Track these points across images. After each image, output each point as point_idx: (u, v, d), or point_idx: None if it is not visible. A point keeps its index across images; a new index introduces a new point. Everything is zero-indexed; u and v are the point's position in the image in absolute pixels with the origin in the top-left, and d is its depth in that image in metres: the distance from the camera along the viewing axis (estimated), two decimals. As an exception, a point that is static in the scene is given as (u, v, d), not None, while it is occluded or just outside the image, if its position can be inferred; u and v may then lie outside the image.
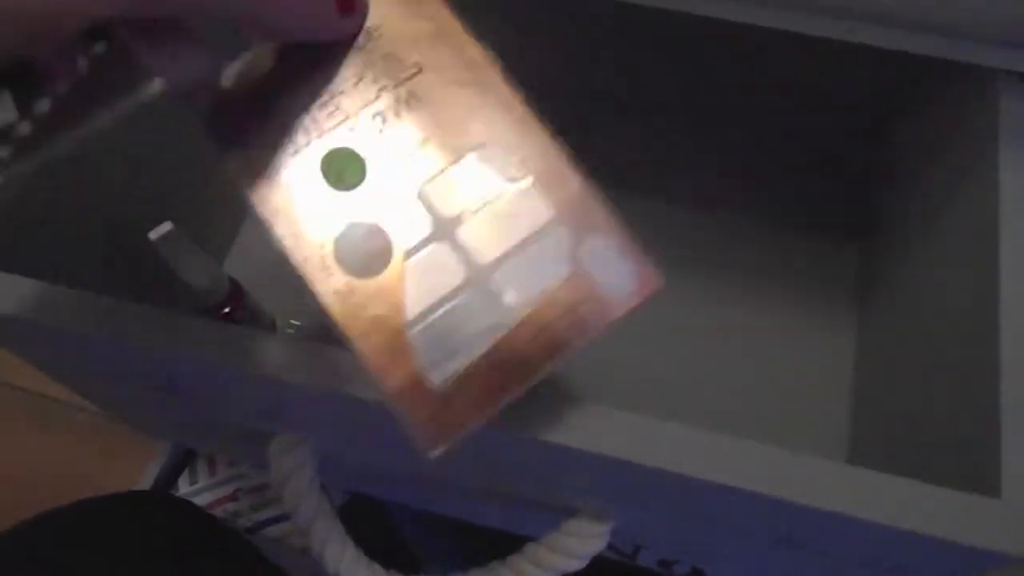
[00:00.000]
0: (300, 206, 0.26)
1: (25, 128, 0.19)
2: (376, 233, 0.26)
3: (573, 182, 0.26)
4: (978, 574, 0.28)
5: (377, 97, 0.27)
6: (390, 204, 0.26)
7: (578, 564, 0.35)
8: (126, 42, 0.21)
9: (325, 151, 0.27)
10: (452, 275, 0.26)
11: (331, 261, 0.26)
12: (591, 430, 0.28)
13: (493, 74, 0.26)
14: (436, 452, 0.25)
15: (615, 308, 0.25)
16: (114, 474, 0.69)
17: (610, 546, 0.36)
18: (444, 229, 0.26)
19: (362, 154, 0.26)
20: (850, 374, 0.50)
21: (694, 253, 0.54)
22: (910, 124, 0.50)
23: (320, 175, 0.26)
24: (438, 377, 0.25)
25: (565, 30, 0.55)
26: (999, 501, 0.27)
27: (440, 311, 0.26)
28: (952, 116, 0.41)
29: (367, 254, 0.26)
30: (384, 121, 0.27)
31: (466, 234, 0.26)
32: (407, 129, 0.26)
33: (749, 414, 0.49)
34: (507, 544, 0.36)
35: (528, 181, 0.26)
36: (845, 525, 0.27)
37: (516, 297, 0.25)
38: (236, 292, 0.48)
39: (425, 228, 0.26)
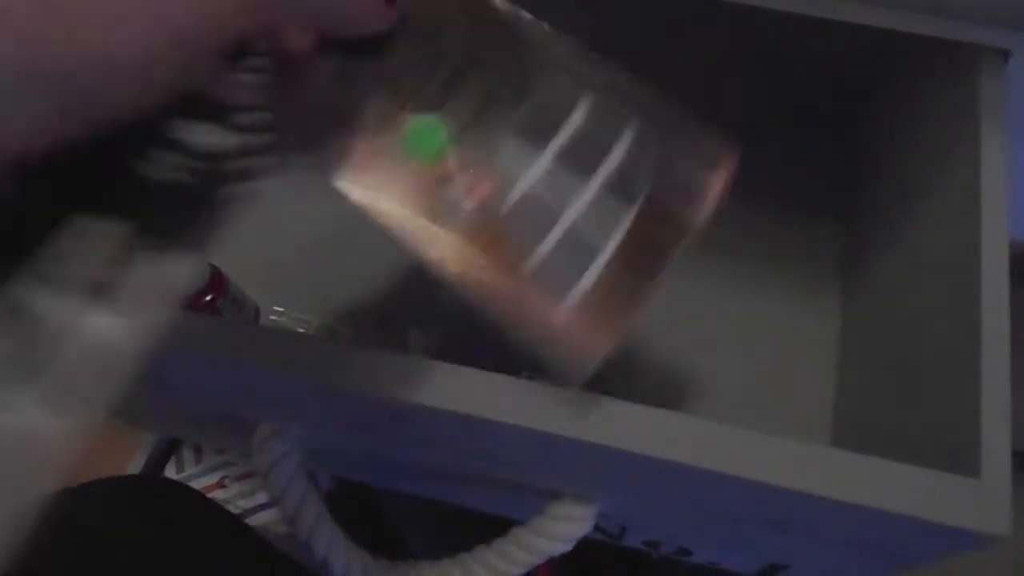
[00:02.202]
0: (392, 184, 0.27)
1: (234, 140, 0.19)
2: (474, 185, 0.27)
3: (642, 90, 0.28)
4: (958, 553, 0.29)
5: (432, 70, 0.28)
6: (480, 157, 0.27)
7: (564, 547, 0.35)
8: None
9: (401, 129, 0.27)
10: (558, 200, 0.27)
11: (438, 228, 0.27)
12: (577, 417, 0.28)
13: (513, 16, 0.28)
14: (597, 358, 0.26)
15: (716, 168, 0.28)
16: (101, 463, 0.69)
17: (596, 527, 0.36)
18: (537, 159, 0.27)
19: (439, 122, 0.28)
20: (834, 357, 0.50)
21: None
22: (891, 104, 0.50)
23: (403, 150, 0.27)
24: (572, 299, 0.26)
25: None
26: (978, 481, 0.27)
27: (558, 234, 0.27)
28: (933, 95, 0.41)
29: (471, 207, 0.27)
30: (448, 88, 0.27)
31: (561, 157, 0.27)
32: (474, 88, 0.27)
33: (733, 398, 0.49)
34: (494, 528, 0.36)
35: (595, 99, 0.27)
36: (829, 507, 0.28)
37: (627, 198, 0.27)
38: (218, 280, 0.48)
39: (520, 165, 0.27)
